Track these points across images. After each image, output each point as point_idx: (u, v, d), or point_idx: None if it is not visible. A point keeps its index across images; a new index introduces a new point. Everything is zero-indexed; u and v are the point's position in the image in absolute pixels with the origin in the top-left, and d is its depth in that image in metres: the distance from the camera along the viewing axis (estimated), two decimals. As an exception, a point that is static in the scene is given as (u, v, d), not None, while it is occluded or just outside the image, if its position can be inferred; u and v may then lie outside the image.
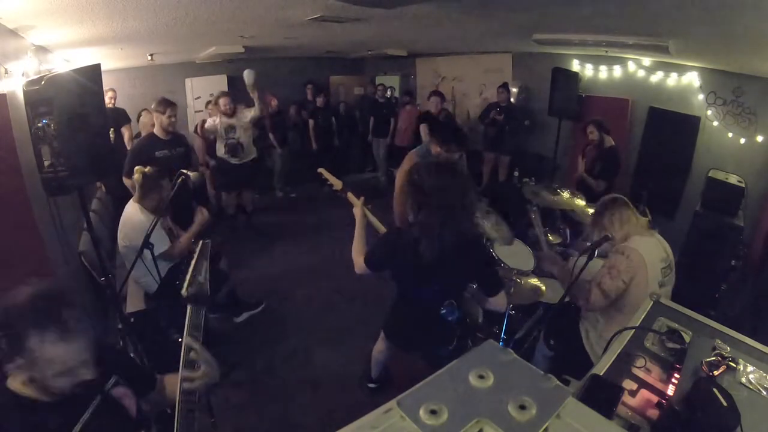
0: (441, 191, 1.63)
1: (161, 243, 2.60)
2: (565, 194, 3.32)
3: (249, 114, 4.59)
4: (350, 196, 2.21)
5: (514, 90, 5.98)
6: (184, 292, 1.19)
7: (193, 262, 1.26)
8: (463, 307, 2.06)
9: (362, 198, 2.15)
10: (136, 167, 2.68)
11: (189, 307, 1.18)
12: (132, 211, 2.64)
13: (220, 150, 4.63)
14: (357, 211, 2.09)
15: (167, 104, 3.37)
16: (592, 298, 1.97)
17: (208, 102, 5.87)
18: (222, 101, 4.53)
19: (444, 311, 1.90)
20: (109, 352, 1.25)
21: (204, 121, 4.73)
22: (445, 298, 1.90)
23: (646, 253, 1.93)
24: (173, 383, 1.23)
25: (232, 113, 4.52)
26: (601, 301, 1.96)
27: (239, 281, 3.58)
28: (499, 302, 1.97)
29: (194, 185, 2.47)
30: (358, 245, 1.96)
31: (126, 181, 3.20)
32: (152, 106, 3.53)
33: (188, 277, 1.20)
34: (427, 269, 1.72)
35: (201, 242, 1.31)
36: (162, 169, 2.74)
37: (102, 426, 1.07)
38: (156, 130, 3.42)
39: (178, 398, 1.10)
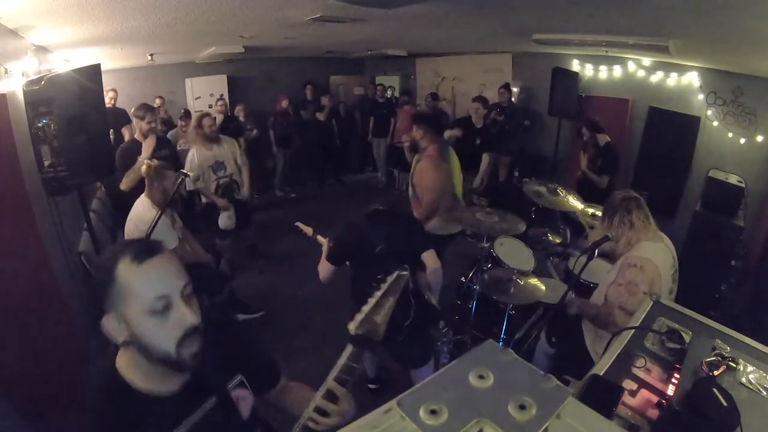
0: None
1: (170, 241, 2.63)
2: (567, 197, 3.29)
3: (236, 147, 3.91)
4: (319, 238, 2.64)
5: (515, 90, 5.97)
6: (352, 328, 0.98)
7: (377, 296, 1.02)
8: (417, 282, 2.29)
9: (327, 238, 2.52)
10: (145, 161, 2.71)
11: (349, 347, 1.00)
12: (141, 205, 2.68)
13: (209, 189, 3.75)
14: (324, 248, 2.46)
15: (146, 109, 3.39)
16: (619, 320, 1.86)
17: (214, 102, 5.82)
18: (206, 122, 3.74)
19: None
20: (233, 340, 1.11)
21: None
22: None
23: (659, 262, 1.86)
24: (302, 395, 1.16)
25: (215, 139, 3.79)
26: (627, 321, 1.89)
27: (239, 281, 3.58)
28: (429, 261, 2.24)
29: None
30: (323, 266, 2.36)
31: (123, 187, 3.19)
32: (131, 111, 3.52)
33: (365, 313, 0.99)
34: (378, 246, 2.12)
35: (397, 275, 1.06)
36: (166, 162, 2.80)
37: (212, 428, 0.94)
38: (137, 136, 3.43)
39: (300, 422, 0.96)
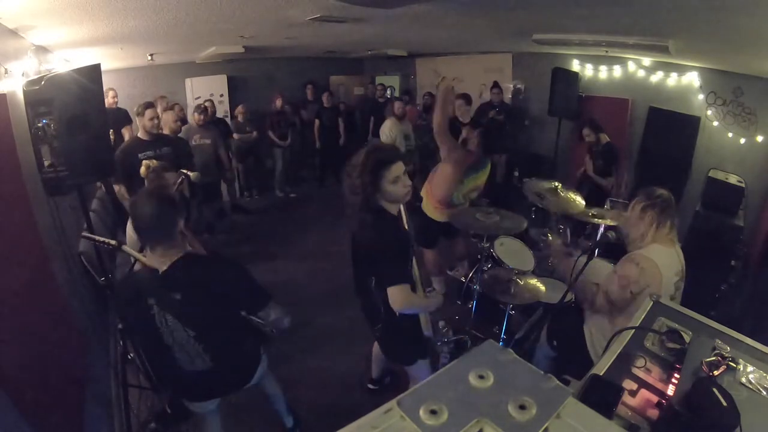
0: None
1: None
2: (572, 196, 3.25)
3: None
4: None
5: (508, 85, 5.96)
6: None
7: None
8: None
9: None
10: (144, 161, 2.71)
11: None
12: None
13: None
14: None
15: (146, 106, 3.40)
16: (598, 302, 1.93)
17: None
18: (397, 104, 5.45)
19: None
20: None
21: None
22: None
23: (663, 266, 1.84)
24: None
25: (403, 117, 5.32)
26: (605, 306, 1.92)
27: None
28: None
29: (194, 185, 2.48)
30: None
31: (115, 187, 3.20)
32: (134, 110, 3.56)
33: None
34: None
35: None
36: (166, 164, 2.77)
37: None
38: (139, 133, 3.45)
39: None
